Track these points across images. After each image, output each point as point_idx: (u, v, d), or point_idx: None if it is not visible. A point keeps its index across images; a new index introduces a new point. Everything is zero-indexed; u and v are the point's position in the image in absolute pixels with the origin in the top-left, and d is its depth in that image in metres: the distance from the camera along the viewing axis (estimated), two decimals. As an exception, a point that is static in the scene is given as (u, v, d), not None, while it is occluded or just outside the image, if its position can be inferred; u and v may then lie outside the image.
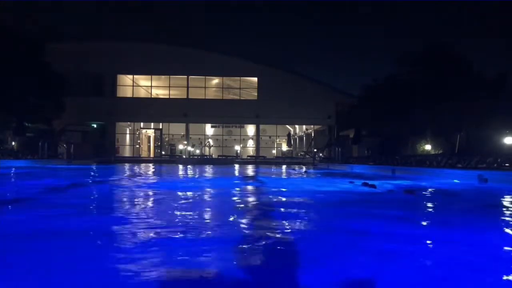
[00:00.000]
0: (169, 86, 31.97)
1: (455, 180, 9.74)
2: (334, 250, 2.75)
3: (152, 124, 33.72)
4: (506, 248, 2.97)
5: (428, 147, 21.30)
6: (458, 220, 4.22)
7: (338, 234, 3.31)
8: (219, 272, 2.20)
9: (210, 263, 2.40)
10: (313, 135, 35.31)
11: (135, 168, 17.54)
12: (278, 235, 3.28)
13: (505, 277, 2.21)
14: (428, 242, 3.08)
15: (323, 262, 2.41)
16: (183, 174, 13.70)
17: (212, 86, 33.22)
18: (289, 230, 3.50)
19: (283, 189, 8.14)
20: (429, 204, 5.87)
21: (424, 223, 4.09)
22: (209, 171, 15.66)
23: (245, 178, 11.98)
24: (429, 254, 2.73)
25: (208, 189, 7.98)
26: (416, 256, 2.62)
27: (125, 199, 6.26)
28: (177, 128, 32.93)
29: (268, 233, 3.36)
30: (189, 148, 31.89)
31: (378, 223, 3.91)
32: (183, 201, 5.74)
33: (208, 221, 4.12)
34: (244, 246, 2.85)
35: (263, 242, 3.03)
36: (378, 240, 3.06)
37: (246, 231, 3.47)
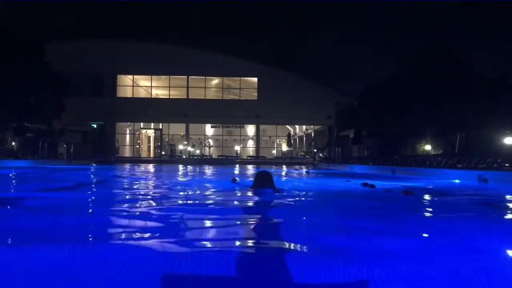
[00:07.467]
0: (169, 86, 32.03)
1: (455, 180, 9.74)
2: (332, 248, 2.74)
3: (152, 124, 33.76)
4: (506, 247, 2.97)
5: (428, 147, 21.32)
6: (457, 220, 4.22)
7: (336, 233, 3.31)
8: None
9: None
10: (313, 135, 35.36)
11: (137, 168, 17.54)
12: (273, 234, 3.28)
13: (505, 278, 2.21)
14: (427, 241, 3.08)
15: (319, 260, 2.41)
16: (185, 173, 13.71)
17: (212, 86, 33.27)
18: (287, 228, 3.50)
19: (284, 188, 8.13)
20: (429, 204, 5.87)
21: (424, 223, 4.09)
22: (209, 170, 15.69)
23: (245, 177, 11.98)
24: (428, 253, 2.73)
25: (211, 187, 8.00)
26: (416, 255, 2.62)
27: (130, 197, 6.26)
28: (177, 128, 32.97)
29: (260, 233, 3.37)
30: (189, 148, 31.92)
31: (377, 222, 3.91)
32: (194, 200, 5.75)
33: (218, 211, 4.17)
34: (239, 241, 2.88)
35: (249, 245, 3.04)
36: (376, 239, 3.06)
37: (242, 233, 3.47)
